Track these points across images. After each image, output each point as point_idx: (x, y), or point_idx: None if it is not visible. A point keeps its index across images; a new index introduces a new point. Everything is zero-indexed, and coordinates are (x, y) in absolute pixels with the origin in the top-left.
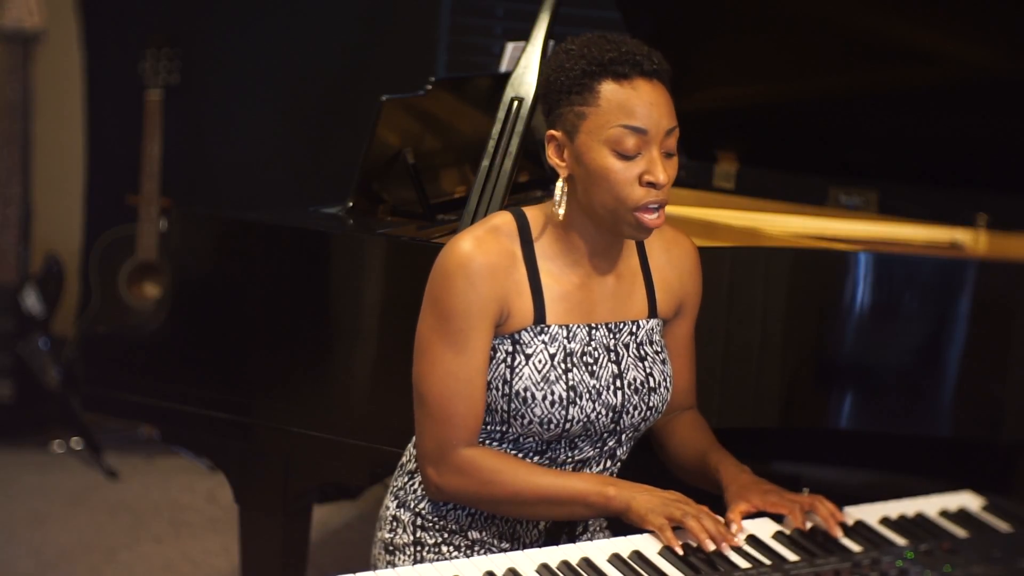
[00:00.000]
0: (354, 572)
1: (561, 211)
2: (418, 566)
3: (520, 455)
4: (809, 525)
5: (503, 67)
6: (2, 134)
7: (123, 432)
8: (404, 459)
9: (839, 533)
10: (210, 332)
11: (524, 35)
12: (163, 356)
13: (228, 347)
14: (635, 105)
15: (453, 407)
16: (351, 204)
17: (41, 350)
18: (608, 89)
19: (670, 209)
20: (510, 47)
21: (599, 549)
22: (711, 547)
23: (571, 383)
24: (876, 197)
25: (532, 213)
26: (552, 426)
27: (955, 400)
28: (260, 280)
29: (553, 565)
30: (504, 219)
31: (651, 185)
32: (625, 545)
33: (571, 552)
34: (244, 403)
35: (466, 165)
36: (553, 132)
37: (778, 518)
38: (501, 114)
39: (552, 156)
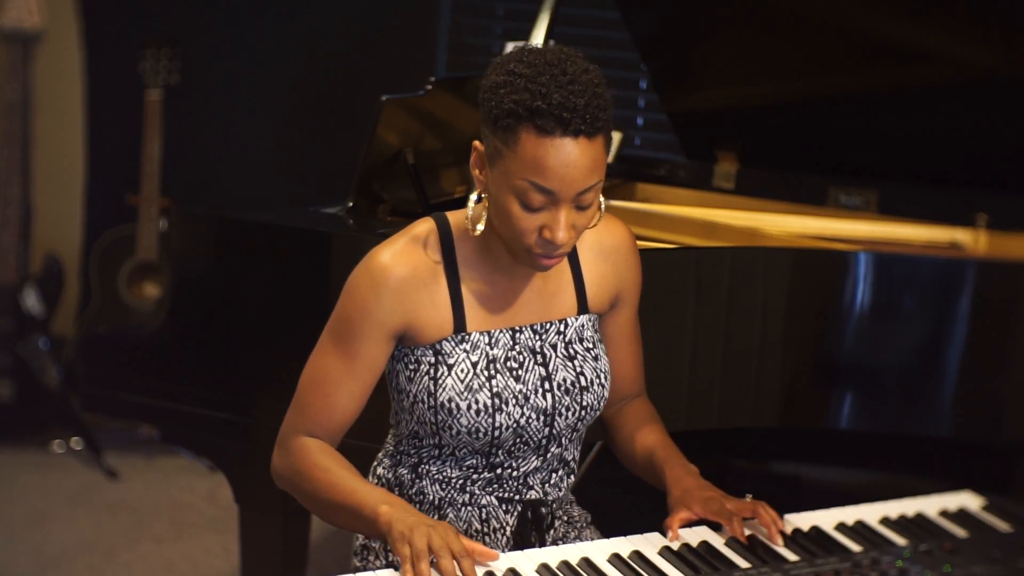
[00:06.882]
0: (354, 572)
1: (480, 227)
2: None
3: (466, 471)
4: (747, 532)
5: None
6: (2, 134)
7: (123, 432)
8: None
9: (780, 541)
10: (210, 332)
11: (524, 35)
12: (163, 356)
13: (228, 347)
14: (549, 165)
15: (312, 398)
16: (351, 204)
17: (41, 350)
18: (527, 140)
19: (667, 209)
20: (510, 47)
21: (599, 549)
22: None
23: (495, 390)
24: (876, 197)
25: (455, 219)
26: (480, 434)
27: (955, 400)
28: (260, 280)
29: (553, 565)
30: (427, 227)
31: (549, 241)
32: (625, 545)
33: (571, 552)
34: (244, 403)
35: (466, 165)
36: (478, 145)
37: (717, 526)
38: None
39: (473, 167)
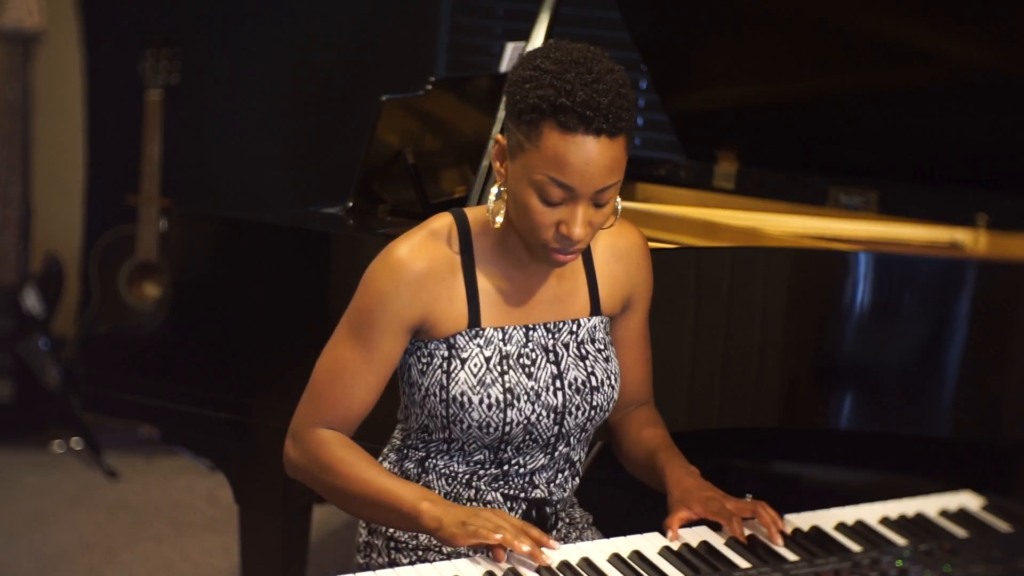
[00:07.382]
0: (354, 572)
1: (499, 219)
2: (418, 566)
3: (474, 466)
4: (747, 532)
5: (503, 67)
6: (2, 134)
7: (123, 432)
8: None
9: (780, 541)
10: (210, 332)
11: (524, 35)
12: (163, 356)
13: (228, 347)
14: (570, 162)
15: (329, 390)
16: (351, 204)
17: (41, 350)
18: (550, 135)
19: (667, 209)
20: (510, 47)
21: (599, 549)
22: (501, 558)
23: (507, 385)
24: (876, 197)
25: (473, 215)
26: (491, 429)
27: (955, 400)
28: (260, 280)
29: (553, 565)
30: (444, 222)
31: (565, 237)
32: (625, 545)
33: (571, 552)
34: (244, 403)
35: (466, 165)
36: (500, 138)
37: (717, 526)
38: (501, 114)
39: (495, 159)
